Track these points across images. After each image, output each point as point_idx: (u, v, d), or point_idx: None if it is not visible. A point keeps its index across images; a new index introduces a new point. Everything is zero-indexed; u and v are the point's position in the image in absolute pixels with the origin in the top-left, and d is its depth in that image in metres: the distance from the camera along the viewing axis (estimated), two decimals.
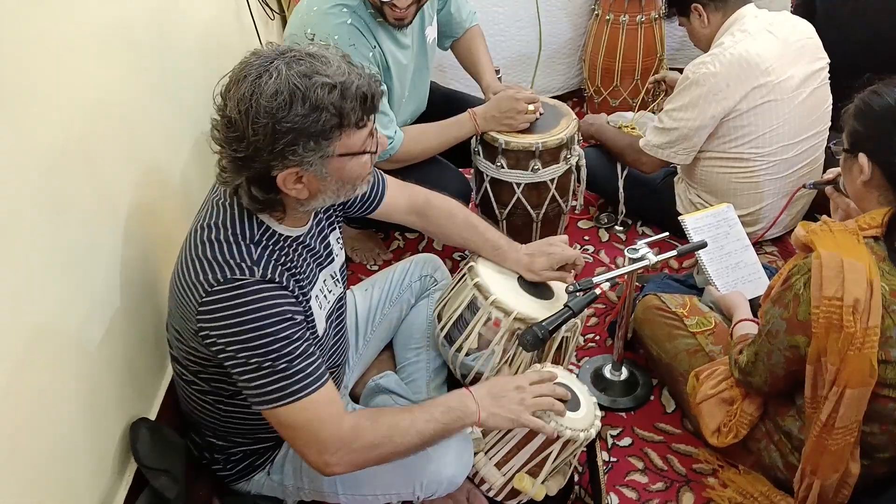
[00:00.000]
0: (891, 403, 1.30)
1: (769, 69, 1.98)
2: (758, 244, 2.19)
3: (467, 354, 1.57)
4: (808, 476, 1.41)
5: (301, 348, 1.17)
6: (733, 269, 1.87)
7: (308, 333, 1.21)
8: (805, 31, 2.10)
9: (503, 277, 1.61)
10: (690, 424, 1.77)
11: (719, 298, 1.79)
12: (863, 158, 1.30)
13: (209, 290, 1.15)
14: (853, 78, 2.17)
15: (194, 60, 1.85)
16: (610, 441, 1.75)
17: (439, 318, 1.64)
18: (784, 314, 1.34)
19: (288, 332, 1.16)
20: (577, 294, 1.50)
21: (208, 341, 1.18)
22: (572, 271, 1.64)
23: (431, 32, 2.05)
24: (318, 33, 1.77)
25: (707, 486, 1.63)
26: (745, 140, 2.06)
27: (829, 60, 2.09)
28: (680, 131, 2.09)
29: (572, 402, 1.41)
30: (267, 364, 1.15)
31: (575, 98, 3.22)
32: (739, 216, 1.98)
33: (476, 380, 1.59)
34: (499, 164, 1.95)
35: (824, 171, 2.20)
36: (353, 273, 2.28)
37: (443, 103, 2.22)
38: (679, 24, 2.26)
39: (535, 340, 1.42)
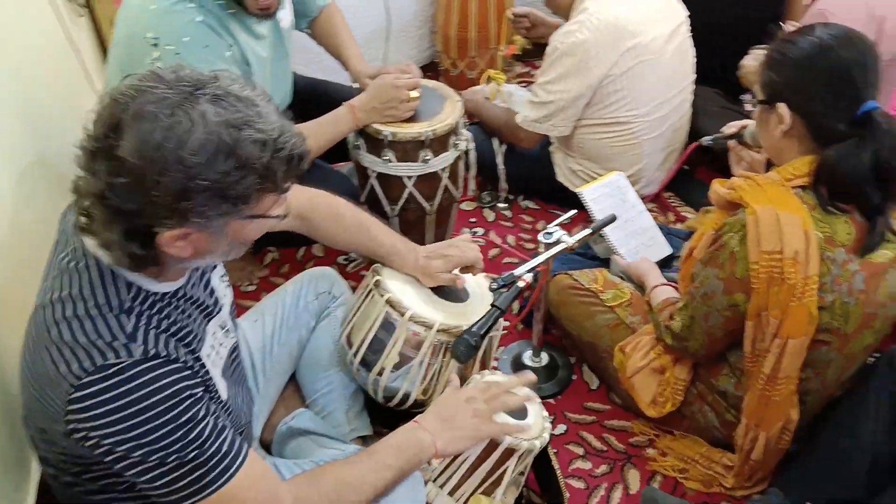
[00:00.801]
0: (824, 347, 1.34)
1: (636, 31, 1.97)
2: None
3: (390, 376, 1.42)
4: (753, 429, 1.42)
5: (209, 427, 0.96)
6: (634, 235, 1.86)
7: (213, 406, 1.00)
8: None
9: (414, 286, 1.46)
10: (618, 398, 1.75)
11: (627, 267, 1.77)
12: (782, 108, 1.29)
13: (77, 384, 0.90)
14: (713, 34, 2.26)
15: None
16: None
17: (349, 342, 1.46)
18: (720, 274, 1.33)
19: (190, 414, 0.94)
20: (502, 290, 1.40)
21: (89, 443, 0.93)
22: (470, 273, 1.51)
23: (286, 16, 1.80)
24: (162, 37, 1.48)
25: (648, 458, 1.62)
26: (621, 104, 2.04)
27: (687, 13, 2.12)
28: (556, 104, 2.03)
29: (520, 411, 1.32)
30: (172, 457, 0.93)
31: (430, 72, 3.09)
32: None
33: (403, 401, 1.45)
34: (386, 157, 1.78)
35: (692, 122, 2.27)
36: None
37: (307, 94, 2.00)
38: None
39: (469, 349, 1.31)
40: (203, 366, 1.06)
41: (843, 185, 1.23)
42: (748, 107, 1.43)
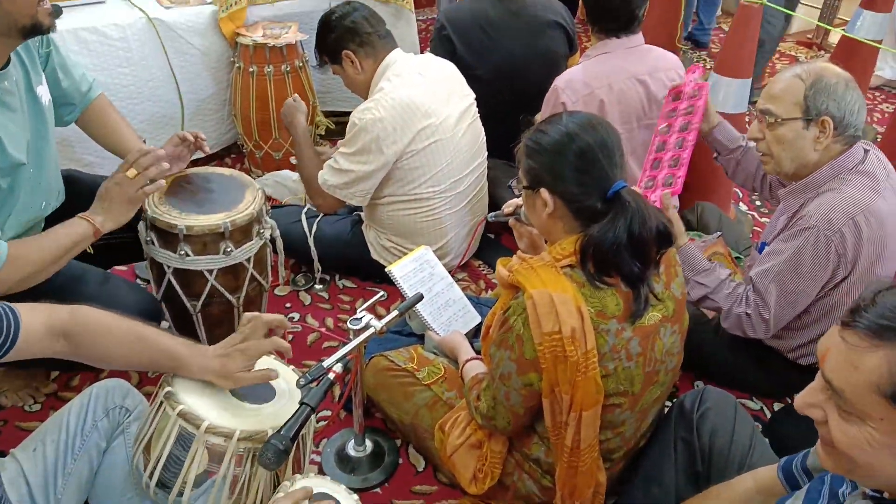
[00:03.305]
0: (617, 409, 1.42)
1: (429, 111, 2.06)
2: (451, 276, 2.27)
3: (191, 496, 1.29)
4: (568, 499, 1.47)
5: None
6: (444, 308, 1.90)
7: None
8: (449, 70, 2.24)
9: (212, 391, 1.34)
10: (444, 476, 1.74)
11: (440, 342, 1.79)
12: (544, 193, 1.37)
13: None
14: (498, 108, 2.43)
15: None
16: None
17: (143, 462, 1.32)
18: (512, 356, 1.37)
19: None
20: (311, 385, 1.34)
21: None
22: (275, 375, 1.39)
23: (45, 93, 1.65)
24: None
25: None
26: (421, 181, 2.12)
27: (474, 95, 2.26)
28: (356, 174, 2.07)
29: None
30: None
31: (234, 154, 3.02)
32: None
33: None
34: (182, 252, 1.67)
35: (490, 193, 2.40)
36: (6, 423, 1.77)
37: (92, 195, 1.84)
38: (333, 73, 2.24)
39: (278, 455, 1.22)
40: None
41: (605, 260, 1.32)
42: (515, 191, 1.52)
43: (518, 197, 1.76)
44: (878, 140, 3.16)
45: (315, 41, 2.23)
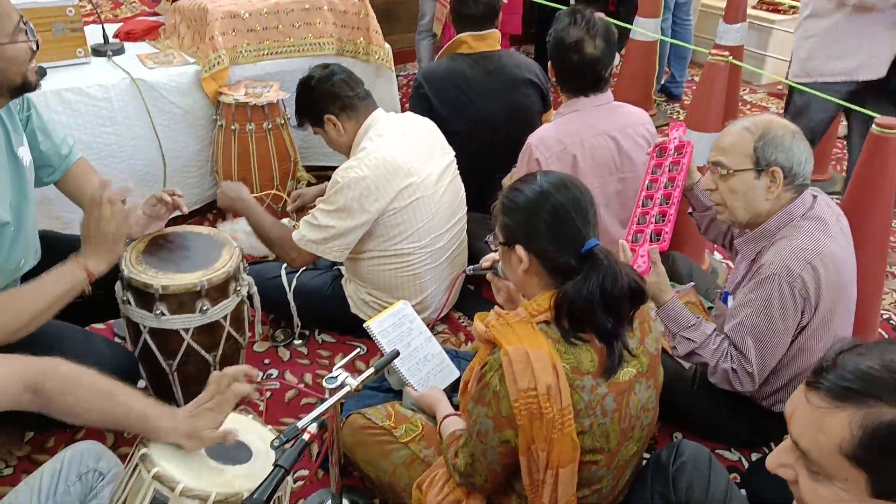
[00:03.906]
0: (593, 466, 1.42)
1: (411, 170, 2.11)
2: (431, 328, 2.28)
3: None
4: None
5: None
6: (423, 363, 1.90)
7: None
8: (430, 129, 2.30)
9: (189, 453, 1.33)
10: None
11: (418, 398, 1.79)
12: (520, 249, 1.40)
13: None
14: (474, 163, 2.49)
15: None
16: None
17: None
18: (488, 412, 1.37)
19: None
20: (285, 447, 1.34)
21: None
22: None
23: (26, 154, 1.67)
24: None
25: None
26: (402, 237, 2.15)
27: (454, 153, 2.31)
28: (336, 230, 2.09)
29: None
30: None
31: (215, 210, 3.04)
32: None
33: None
34: (158, 311, 1.68)
35: (469, 246, 2.43)
36: None
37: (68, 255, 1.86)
38: (315, 133, 2.28)
39: None
40: None
41: (579, 316, 1.34)
42: (492, 246, 1.54)
43: (495, 252, 1.79)
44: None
45: (295, 105, 2.26)
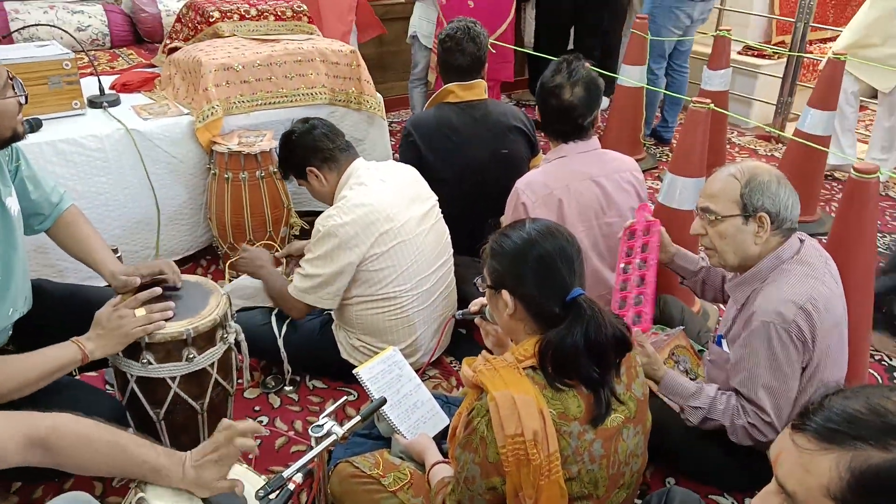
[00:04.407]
0: None
1: (391, 215, 2.14)
2: (422, 373, 2.28)
3: None
4: None
5: None
6: (413, 410, 1.89)
7: None
8: (412, 175, 2.35)
9: (184, 498, 1.34)
10: None
11: (407, 446, 1.78)
12: (506, 294, 1.42)
13: None
14: (464, 208, 2.52)
15: None
16: None
17: None
18: (476, 459, 1.36)
19: None
20: (271, 497, 1.33)
21: None
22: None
23: (14, 204, 1.70)
24: None
25: None
26: (387, 281, 2.17)
27: (437, 198, 2.35)
28: (322, 277, 2.12)
29: None
30: None
31: (209, 256, 3.06)
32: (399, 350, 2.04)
33: None
34: (144, 360, 1.68)
35: (459, 289, 2.44)
36: None
37: (64, 303, 1.87)
38: (299, 185, 2.32)
39: None
40: None
41: (563, 363, 1.34)
42: (480, 288, 1.56)
43: (483, 295, 1.80)
44: None
45: (280, 158, 2.34)
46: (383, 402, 1.64)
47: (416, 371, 2.03)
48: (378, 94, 3.25)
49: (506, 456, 1.31)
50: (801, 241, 1.78)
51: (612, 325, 1.38)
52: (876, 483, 0.80)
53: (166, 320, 1.69)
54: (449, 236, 2.41)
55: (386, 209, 2.13)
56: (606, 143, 3.94)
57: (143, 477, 1.34)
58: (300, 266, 2.19)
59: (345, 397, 1.74)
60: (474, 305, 1.75)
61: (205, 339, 1.73)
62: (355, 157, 2.27)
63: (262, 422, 2.18)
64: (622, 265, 2.12)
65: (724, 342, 1.84)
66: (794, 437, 0.88)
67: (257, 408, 2.25)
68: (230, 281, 2.58)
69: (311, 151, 2.22)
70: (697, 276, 2.13)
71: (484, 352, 1.54)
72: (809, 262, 1.73)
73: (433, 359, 2.37)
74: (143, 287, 1.83)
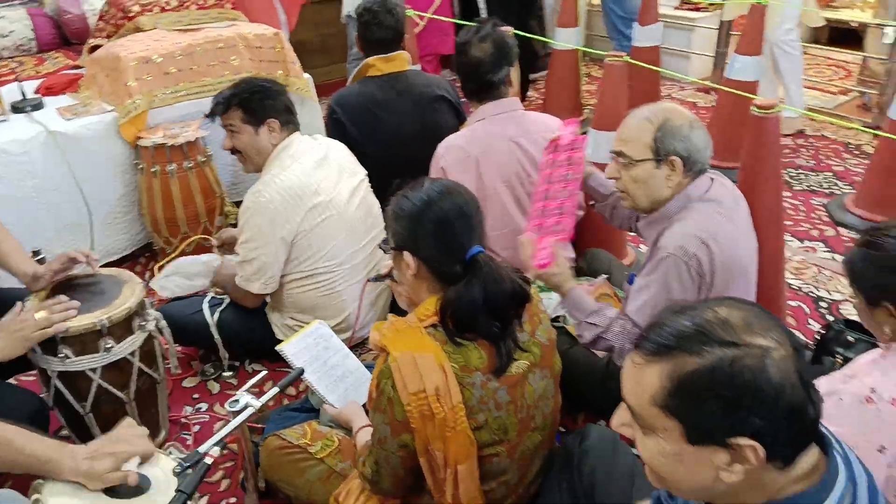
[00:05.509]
0: (495, 459, 1.44)
1: (318, 189, 2.15)
2: (358, 346, 2.31)
3: None
4: None
5: None
6: (341, 379, 1.92)
7: None
8: (341, 150, 2.35)
9: (84, 492, 1.33)
10: None
11: (336, 415, 1.81)
12: (407, 255, 1.44)
13: None
14: (386, 180, 2.53)
15: None
16: None
17: None
18: (385, 419, 1.39)
19: None
20: (187, 473, 1.35)
21: None
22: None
23: None
24: None
25: None
26: (317, 257, 2.18)
27: (366, 172, 2.36)
28: (259, 259, 2.13)
29: None
30: None
31: (147, 253, 3.05)
32: (332, 326, 2.06)
33: None
34: (62, 354, 1.69)
35: None
36: None
37: None
38: (224, 125, 2.22)
39: None
40: None
41: (462, 320, 1.37)
42: (386, 252, 1.58)
43: (379, 276, 1.82)
44: None
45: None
46: (301, 372, 1.67)
47: (350, 346, 2.05)
48: (307, 75, 3.24)
49: (411, 413, 1.34)
50: (712, 179, 1.81)
51: (511, 279, 1.41)
52: (693, 388, 0.85)
53: (80, 313, 1.70)
54: (379, 209, 2.42)
55: (314, 183, 2.14)
56: (547, 110, 3.98)
57: (33, 470, 1.35)
58: (238, 254, 2.19)
59: (263, 372, 1.75)
60: (385, 268, 1.77)
61: (122, 329, 1.74)
62: (297, 130, 2.27)
63: (200, 409, 2.20)
64: (546, 175, 2.13)
65: (636, 279, 1.88)
66: (632, 355, 0.92)
67: (196, 395, 2.26)
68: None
69: (282, 107, 2.21)
70: (608, 200, 2.16)
71: (391, 315, 1.57)
72: (718, 200, 1.77)
73: (359, 327, 2.37)
74: (60, 283, 1.84)
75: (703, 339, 0.85)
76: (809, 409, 0.86)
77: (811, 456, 0.90)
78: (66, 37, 4.05)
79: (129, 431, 1.40)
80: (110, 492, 1.37)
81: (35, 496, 1.30)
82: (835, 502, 0.88)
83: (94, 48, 3.25)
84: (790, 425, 0.85)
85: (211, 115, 2.24)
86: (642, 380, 0.90)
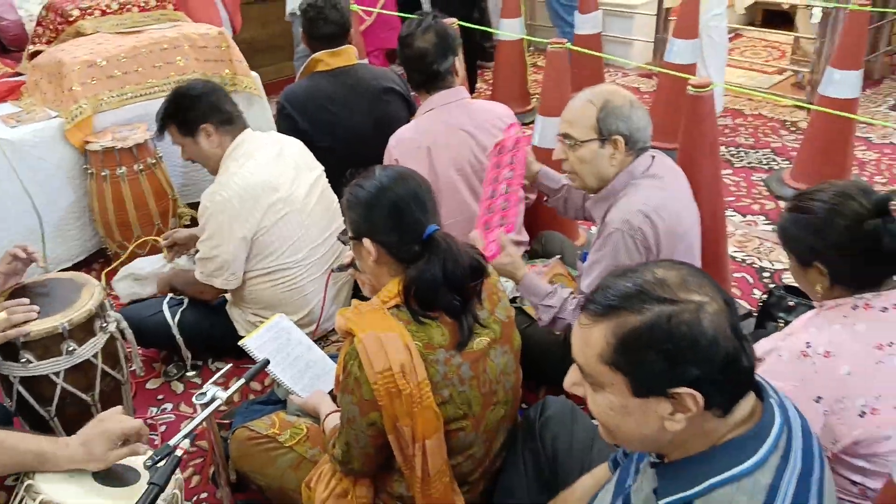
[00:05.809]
0: (461, 433, 1.50)
1: (276, 186, 2.17)
2: (321, 339, 2.34)
3: None
4: None
5: None
6: (305, 370, 1.95)
7: None
8: (295, 146, 2.37)
9: (76, 480, 1.37)
10: None
11: (302, 404, 1.84)
12: (367, 242, 1.48)
13: None
14: (340, 173, 2.56)
15: None
16: None
17: None
18: (353, 399, 1.44)
19: None
20: (158, 465, 1.37)
21: None
22: (144, 443, 1.47)
23: None
24: None
25: None
26: (279, 253, 2.20)
27: (322, 167, 2.39)
28: (221, 257, 2.14)
29: None
30: None
31: (101, 259, 3.01)
32: (296, 321, 2.09)
33: None
34: (24, 359, 1.68)
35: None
36: None
37: None
38: (174, 143, 2.25)
39: None
40: None
41: (425, 297, 1.42)
42: (345, 243, 1.62)
43: (342, 266, 1.87)
44: None
45: (166, 111, 2.21)
46: (266, 363, 1.69)
47: (316, 338, 2.08)
48: (254, 73, 3.24)
49: (378, 391, 1.39)
50: (653, 157, 1.90)
51: (468, 254, 1.47)
52: (635, 343, 0.92)
53: (40, 317, 1.69)
54: (338, 204, 2.44)
55: (272, 180, 2.16)
56: (496, 100, 4.04)
57: (29, 466, 1.36)
58: (199, 251, 2.18)
59: (229, 365, 1.78)
60: (346, 258, 1.81)
61: (83, 331, 1.74)
62: (245, 127, 2.27)
63: (165, 409, 2.20)
64: (491, 176, 2.20)
65: (588, 256, 1.96)
66: (580, 317, 0.99)
67: (160, 396, 2.26)
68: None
69: (211, 110, 2.17)
70: (560, 193, 2.25)
71: (355, 300, 1.61)
72: (660, 176, 1.86)
73: (323, 320, 2.40)
74: (15, 290, 1.83)
75: (643, 298, 0.92)
76: (743, 359, 0.93)
77: (748, 403, 0.98)
78: (2, 44, 3.95)
79: (112, 413, 1.43)
80: (100, 481, 1.39)
81: (27, 482, 1.32)
82: (771, 443, 0.96)
83: (35, 54, 3.18)
84: (726, 374, 0.92)
85: (159, 135, 2.29)
86: (589, 339, 0.96)
